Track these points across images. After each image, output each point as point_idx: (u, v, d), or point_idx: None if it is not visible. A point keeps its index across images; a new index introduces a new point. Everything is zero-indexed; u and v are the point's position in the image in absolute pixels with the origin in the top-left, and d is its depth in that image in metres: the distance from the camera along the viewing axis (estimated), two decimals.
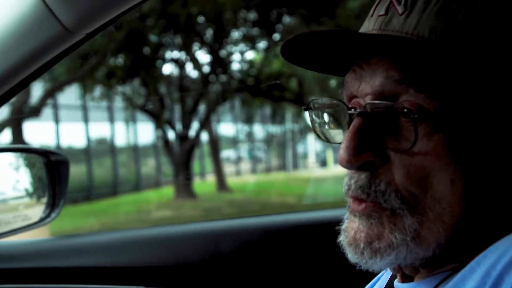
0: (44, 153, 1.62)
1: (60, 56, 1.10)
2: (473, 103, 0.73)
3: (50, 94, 11.15)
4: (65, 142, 14.57)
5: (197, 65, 12.84)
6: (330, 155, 19.78)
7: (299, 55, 0.85)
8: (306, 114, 0.89)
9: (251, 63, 13.32)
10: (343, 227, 0.83)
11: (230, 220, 2.03)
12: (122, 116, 15.25)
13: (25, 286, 1.69)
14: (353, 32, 0.77)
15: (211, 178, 15.98)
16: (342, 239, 0.82)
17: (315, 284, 1.67)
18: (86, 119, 14.83)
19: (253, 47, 13.04)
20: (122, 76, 11.86)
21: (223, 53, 12.79)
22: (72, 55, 1.16)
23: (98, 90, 12.79)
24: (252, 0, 11.54)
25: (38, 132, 13.23)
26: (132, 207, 12.95)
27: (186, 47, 12.54)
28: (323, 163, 20.74)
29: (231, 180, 15.69)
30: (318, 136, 0.89)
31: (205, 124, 13.35)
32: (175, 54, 12.98)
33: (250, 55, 13.35)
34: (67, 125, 14.53)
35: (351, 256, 0.80)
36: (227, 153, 19.84)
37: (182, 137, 12.77)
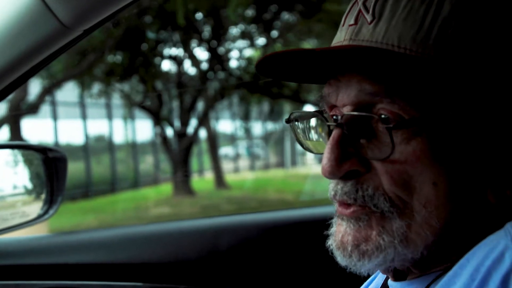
0: (42, 150, 1.62)
1: (57, 52, 1.10)
2: (450, 107, 0.73)
3: (48, 91, 11.13)
4: (63, 139, 14.57)
5: (195, 62, 12.83)
6: None
7: (275, 71, 0.85)
8: (288, 133, 0.89)
9: (249, 60, 13.31)
10: (331, 231, 0.84)
11: (228, 216, 2.03)
12: (120, 113, 15.24)
13: (23, 283, 1.69)
14: (323, 51, 0.76)
15: (209, 175, 15.98)
16: (331, 243, 0.83)
17: (312, 280, 1.67)
18: (84, 116, 14.82)
19: (251, 44, 13.03)
20: (120, 73, 11.84)
21: (221, 50, 12.78)
22: (69, 51, 1.16)
23: (96, 87, 12.77)
24: None
25: (36, 129, 13.21)
26: (130, 204, 12.94)
27: (184, 44, 12.52)
28: (321, 160, 20.71)
29: (229, 177, 15.69)
30: (303, 146, 0.90)
31: (203, 121, 13.34)
32: (173, 51, 12.97)
33: (248, 52, 13.33)
34: (65, 122, 14.51)
35: (340, 259, 0.81)
36: (225, 150, 19.83)
37: (180, 134, 12.76)
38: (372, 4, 0.77)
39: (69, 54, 9.40)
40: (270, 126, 21.25)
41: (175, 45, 12.82)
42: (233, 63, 13.35)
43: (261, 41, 12.92)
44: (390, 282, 0.88)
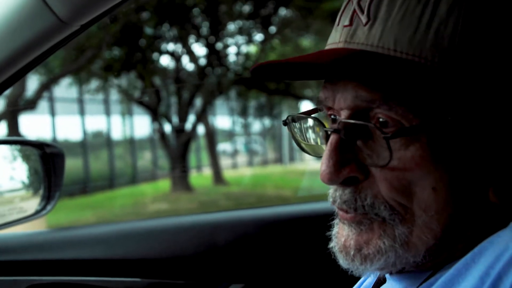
0: (39, 146, 1.61)
1: (54, 47, 1.10)
2: (449, 111, 0.71)
3: (46, 86, 11.11)
4: (61, 135, 14.55)
5: (193, 58, 12.81)
6: None
7: (270, 76, 0.84)
8: (286, 128, 0.89)
9: (247, 55, 13.30)
10: (333, 232, 0.84)
11: (225, 212, 2.03)
12: (118, 109, 15.23)
13: (20, 279, 1.69)
14: (316, 63, 0.74)
15: (207, 171, 15.98)
16: (333, 245, 0.83)
17: (309, 275, 1.67)
18: (82, 112, 14.80)
19: (249, 39, 13.01)
20: (117, 69, 11.82)
21: (219, 45, 12.76)
22: (67, 46, 1.15)
23: (94, 83, 12.75)
24: None
25: (34, 125, 13.20)
26: (128, 200, 12.94)
27: (182, 40, 12.50)
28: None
29: (228, 173, 15.70)
30: (301, 148, 0.89)
31: (201, 117, 13.34)
32: (171, 46, 12.94)
33: (246, 47, 13.31)
34: (63, 118, 14.49)
35: (343, 262, 0.81)
36: (223, 146, 19.84)
37: (178, 130, 12.76)
38: (367, 4, 0.74)
39: (66, 50, 9.38)
40: (268, 122, 21.25)
41: (173, 40, 12.80)
42: (231, 59, 13.34)
43: (259, 36, 12.91)
44: (386, 275, 0.87)
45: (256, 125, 21.36)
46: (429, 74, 0.71)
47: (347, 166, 0.76)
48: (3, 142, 1.70)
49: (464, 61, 0.70)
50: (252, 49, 13.45)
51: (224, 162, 17.73)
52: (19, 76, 1.14)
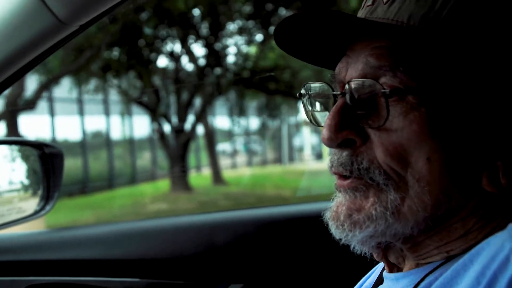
0: (38, 146, 1.61)
1: (53, 47, 1.10)
2: (449, 83, 0.75)
3: (45, 87, 11.11)
4: (60, 135, 14.55)
5: (193, 58, 12.81)
6: (325, 148, 19.79)
7: (291, 42, 0.87)
8: (299, 103, 0.91)
9: (246, 56, 13.30)
10: (331, 205, 0.85)
11: (225, 212, 2.03)
12: (117, 109, 15.23)
13: (19, 279, 1.69)
14: (335, 12, 0.79)
15: (206, 171, 15.99)
16: (327, 215, 0.84)
17: (308, 275, 1.67)
18: (81, 112, 14.80)
19: (248, 40, 13.02)
20: (117, 69, 11.82)
21: (218, 46, 12.76)
22: (66, 47, 1.15)
23: (93, 83, 12.75)
24: None
25: (33, 125, 13.19)
26: (127, 200, 12.94)
27: (182, 40, 12.50)
28: (318, 156, 20.78)
29: (227, 173, 15.71)
30: (310, 121, 0.92)
31: (201, 117, 13.34)
32: (171, 46, 12.95)
33: (245, 48, 13.32)
34: (62, 118, 14.49)
35: (334, 230, 0.82)
36: (222, 146, 19.85)
37: (178, 130, 12.76)
38: None
39: (66, 50, 9.38)
40: (268, 122, 21.26)
41: (172, 41, 12.80)
42: (231, 59, 13.35)
43: (258, 37, 12.91)
44: (385, 273, 0.88)
45: (256, 125, 21.37)
46: (435, 44, 0.75)
47: (347, 128, 0.79)
48: (2, 142, 1.70)
49: (471, 37, 0.75)
50: (252, 49, 13.45)
51: (224, 162, 17.74)
52: (18, 76, 1.14)
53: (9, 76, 1.11)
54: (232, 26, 12.69)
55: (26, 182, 1.72)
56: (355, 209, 0.79)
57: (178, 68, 13.07)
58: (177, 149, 12.51)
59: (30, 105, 10.32)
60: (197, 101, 13.16)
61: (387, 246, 0.85)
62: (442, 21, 0.75)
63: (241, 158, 20.80)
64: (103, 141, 16.12)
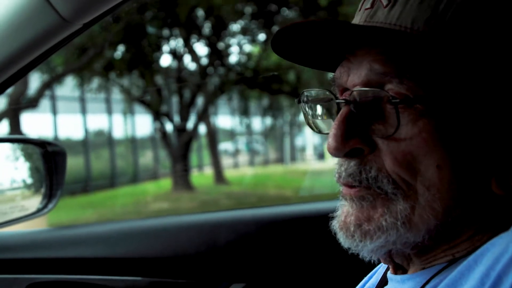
0: (41, 144, 1.62)
1: (57, 46, 1.10)
2: (458, 89, 0.74)
3: (48, 85, 11.12)
4: (63, 134, 14.56)
5: (195, 57, 12.81)
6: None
7: (289, 49, 0.86)
8: (300, 106, 0.90)
9: (249, 55, 13.30)
10: (337, 214, 0.84)
11: (226, 211, 2.03)
12: (120, 108, 15.23)
13: (22, 277, 1.69)
14: (338, 22, 0.78)
15: (208, 171, 15.99)
16: (334, 224, 0.83)
17: (310, 275, 1.67)
18: (84, 111, 14.81)
19: (251, 39, 13.01)
20: (119, 68, 11.82)
21: (221, 45, 12.76)
22: (69, 45, 1.15)
23: (96, 82, 12.76)
24: None
25: (36, 123, 13.21)
26: (129, 199, 12.95)
27: (184, 39, 12.51)
28: (320, 156, 20.76)
29: (229, 173, 15.71)
30: (311, 127, 0.90)
31: (203, 117, 13.34)
32: (173, 46, 12.94)
33: (248, 47, 13.32)
34: (64, 117, 14.50)
35: (343, 240, 0.81)
36: (225, 146, 19.84)
37: (180, 129, 12.76)
38: None
39: (69, 48, 9.39)
40: (270, 122, 21.25)
41: (175, 40, 12.80)
42: (233, 59, 13.35)
43: (261, 36, 12.91)
44: (389, 275, 0.88)
45: (258, 125, 21.37)
46: (442, 50, 0.74)
47: (354, 137, 0.77)
48: (5, 140, 1.70)
49: (477, 42, 0.74)
50: (254, 49, 13.44)
51: (226, 161, 17.74)
52: (22, 74, 1.14)
53: (12, 74, 1.11)
54: (235, 26, 12.69)
55: (29, 180, 1.72)
56: (364, 219, 0.78)
57: (181, 67, 13.07)
58: (179, 148, 12.51)
59: (32, 103, 10.34)
60: (200, 101, 13.16)
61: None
62: (446, 25, 0.74)
63: (243, 158, 20.80)
64: (105, 139, 16.13)
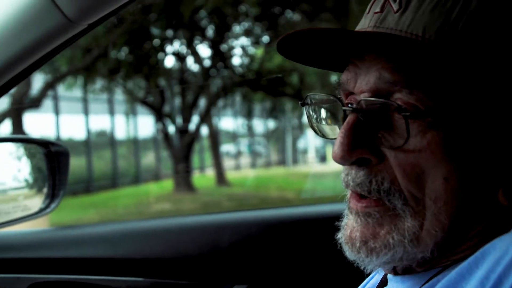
0: (44, 144, 1.62)
1: (61, 46, 1.10)
2: (467, 101, 0.73)
3: (51, 85, 11.14)
4: (65, 134, 14.57)
5: (198, 59, 12.82)
6: (329, 151, 19.66)
7: (295, 51, 0.85)
8: (303, 109, 0.89)
9: (252, 57, 13.30)
10: (342, 223, 0.84)
11: (229, 213, 2.03)
12: (122, 108, 15.24)
13: (24, 276, 1.69)
14: (347, 31, 0.77)
15: (210, 172, 15.98)
16: (340, 236, 0.83)
17: (312, 277, 1.67)
18: (86, 111, 14.82)
19: (255, 41, 13.02)
20: (122, 69, 11.83)
21: (224, 47, 12.77)
22: (73, 45, 1.16)
23: (99, 83, 12.77)
24: None
25: (38, 124, 13.22)
26: (131, 200, 12.95)
27: (188, 41, 12.51)
28: (322, 158, 20.75)
29: (231, 174, 15.69)
30: (314, 131, 0.89)
31: (205, 118, 13.34)
32: (177, 47, 12.96)
33: (251, 49, 13.31)
34: (67, 117, 14.52)
35: (349, 254, 0.80)
36: (227, 147, 19.84)
37: (182, 131, 12.77)
38: None
39: (72, 49, 9.40)
40: (272, 124, 21.24)
41: (178, 41, 12.81)
42: (236, 61, 13.35)
43: (264, 38, 12.91)
44: (389, 276, 0.87)
45: (260, 127, 21.36)
46: (456, 63, 0.73)
47: (361, 146, 0.76)
48: (8, 140, 1.70)
49: (490, 54, 0.73)
50: (257, 51, 13.44)
51: (227, 163, 17.73)
52: (26, 74, 1.14)
53: (17, 74, 1.12)
54: (238, 28, 12.69)
55: (32, 180, 1.73)
56: (370, 236, 0.77)
57: (184, 69, 13.08)
58: (181, 150, 12.51)
59: (35, 103, 10.35)
60: (202, 102, 13.16)
61: None
62: (459, 34, 0.73)
63: (245, 160, 20.78)
64: (108, 140, 16.14)
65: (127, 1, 1.05)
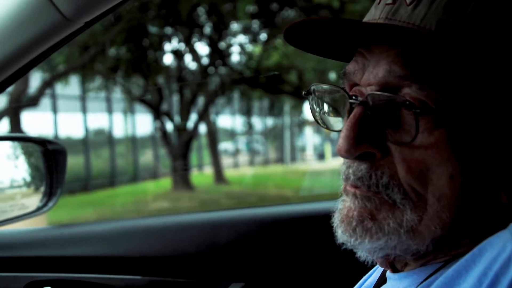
0: (41, 142, 1.62)
1: (58, 44, 1.10)
2: (477, 99, 0.72)
3: (49, 83, 11.13)
4: (63, 132, 14.56)
5: (196, 57, 12.81)
6: (328, 149, 19.80)
7: (302, 40, 0.83)
8: (307, 100, 0.87)
9: (250, 55, 13.29)
10: (338, 207, 0.83)
11: (227, 211, 2.03)
12: (120, 107, 15.24)
13: (21, 275, 1.69)
14: (359, 22, 0.76)
15: (208, 170, 15.99)
16: (335, 218, 0.82)
17: (309, 275, 1.67)
18: (84, 110, 14.81)
19: (252, 39, 13.01)
20: (120, 67, 11.82)
21: (222, 44, 12.76)
22: (70, 44, 1.16)
23: (97, 81, 12.76)
24: None
25: (36, 122, 13.21)
26: (129, 198, 12.95)
27: (186, 39, 12.50)
28: (320, 156, 20.77)
29: (229, 172, 15.70)
30: (317, 122, 0.88)
31: (204, 116, 13.34)
32: (174, 45, 12.95)
33: (249, 47, 13.31)
34: (65, 115, 14.51)
35: (341, 233, 0.79)
36: (225, 145, 19.85)
37: (180, 129, 12.76)
38: None
39: (70, 46, 9.39)
40: (270, 121, 21.26)
41: (176, 39, 12.80)
42: (234, 58, 13.35)
43: (262, 36, 12.90)
44: (388, 274, 0.87)
45: (258, 125, 21.37)
46: (468, 60, 0.72)
47: (366, 141, 0.75)
48: (5, 138, 1.70)
49: (507, 52, 0.72)
50: (255, 48, 13.44)
51: (226, 161, 17.74)
52: (23, 73, 1.14)
53: (13, 72, 1.11)
54: (236, 25, 12.68)
55: (29, 178, 1.72)
56: (368, 216, 0.77)
57: (182, 67, 13.07)
58: (179, 148, 12.51)
59: (33, 101, 10.34)
60: (200, 100, 13.15)
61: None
62: (473, 30, 0.72)
63: (243, 158, 20.80)
64: (106, 138, 16.13)
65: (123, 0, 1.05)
